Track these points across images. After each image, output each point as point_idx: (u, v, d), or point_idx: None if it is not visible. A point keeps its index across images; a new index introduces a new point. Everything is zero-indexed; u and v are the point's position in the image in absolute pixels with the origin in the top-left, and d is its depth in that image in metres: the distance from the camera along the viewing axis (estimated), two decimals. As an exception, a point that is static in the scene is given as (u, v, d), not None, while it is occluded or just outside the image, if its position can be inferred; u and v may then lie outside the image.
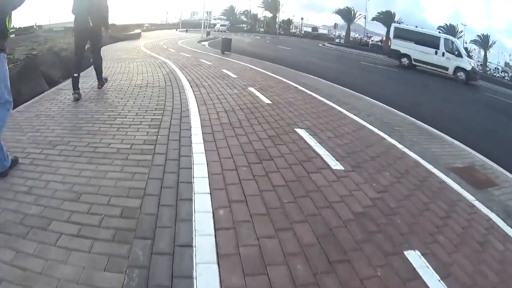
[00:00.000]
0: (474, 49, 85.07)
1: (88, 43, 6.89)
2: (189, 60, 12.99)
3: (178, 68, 10.54)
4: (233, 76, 9.59)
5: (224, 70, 10.49)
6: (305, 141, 4.66)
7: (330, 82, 10.69)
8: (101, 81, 7.34)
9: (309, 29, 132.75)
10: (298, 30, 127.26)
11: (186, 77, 8.84)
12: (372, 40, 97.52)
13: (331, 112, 6.53)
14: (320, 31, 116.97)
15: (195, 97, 6.60)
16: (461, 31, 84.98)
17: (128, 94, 6.74)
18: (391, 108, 7.99)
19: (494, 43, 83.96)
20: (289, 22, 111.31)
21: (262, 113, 5.90)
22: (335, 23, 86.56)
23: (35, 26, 56.48)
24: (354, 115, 6.52)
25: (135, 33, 33.56)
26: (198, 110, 5.71)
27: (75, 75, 6.33)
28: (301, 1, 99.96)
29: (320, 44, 44.26)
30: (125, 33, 30.44)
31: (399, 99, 9.95)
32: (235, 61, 13.62)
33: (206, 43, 29.41)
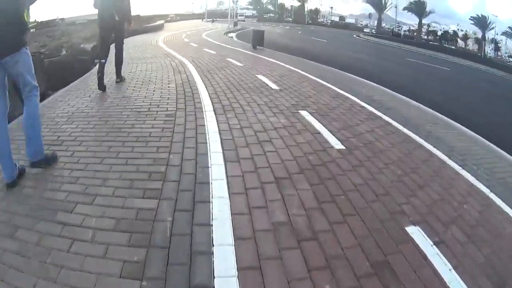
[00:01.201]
0: (501, 40, 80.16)
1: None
2: (214, 59, 10.33)
3: (199, 72, 7.94)
4: (274, 86, 6.91)
5: (260, 76, 7.82)
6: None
7: (413, 101, 7.73)
8: (120, 76, 7.18)
9: (337, 19, 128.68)
10: (325, 19, 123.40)
11: (208, 91, 6.21)
12: (404, 31, 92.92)
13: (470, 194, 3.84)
14: (347, 20, 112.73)
15: (221, 140, 3.93)
16: (493, 22, 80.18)
17: (111, 137, 4.07)
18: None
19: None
20: (316, 11, 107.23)
21: (337, 179, 3.25)
22: (370, 13, 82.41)
23: (57, 19, 55.33)
24: None
25: (157, 24, 31.35)
26: (227, 182, 3.00)
27: (102, 61, 6.36)
28: None
29: (355, 36, 41.07)
30: (145, 25, 28.23)
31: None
32: (271, 59, 10.87)
33: (233, 34, 26.76)
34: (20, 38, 3.06)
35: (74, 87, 6.73)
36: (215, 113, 4.92)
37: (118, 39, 6.87)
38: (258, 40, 13.82)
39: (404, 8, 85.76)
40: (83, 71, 8.30)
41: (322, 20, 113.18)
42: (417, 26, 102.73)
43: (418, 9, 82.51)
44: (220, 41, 18.04)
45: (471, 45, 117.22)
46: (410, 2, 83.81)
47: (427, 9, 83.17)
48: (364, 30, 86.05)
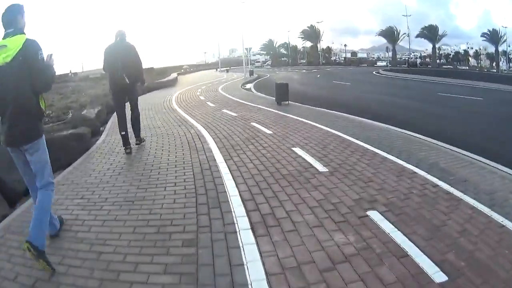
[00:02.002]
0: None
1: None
2: (236, 125, 8.80)
3: (221, 150, 6.37)
4: (319, 167, 5.23)
5: (298, 150, 6.17)
6: None
7: (487, 162, 5.85)
8: (139, 137, 7.22)
9: (349, 55, 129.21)
10: (337, 57, 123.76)
11: (238, 187, 4.55)
12: (417, 58, 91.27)
13: None
14: (359, 55, 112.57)
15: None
16: (504, 34, 78.27)
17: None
18: None
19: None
20: (329, 50, 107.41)
21: None
22: (387, 47, 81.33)
23: (70, 74, 56.00)
24: None
25: (170, 79, 30.83)
26: None
27: (123, 133, 6.57)
28: (335, 27, 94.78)
29: (374, 73, 39.71)
30: (158, 81, 27.62)
31: None
32: (301, 119, 9.24)
33: (251, 85, 25.66)
34: (36, 127, 3.15)
35: (64, 180, 5.24)
36: (254, 235, 3.28)
37: (132, 101, 6.86)
38: (282, 95, 12.31)
39: (417, 36, 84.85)
40: (79, 152, 6.81)
41: (334, 58, 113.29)
42: (427, 51, 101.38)
43: (431, 34, 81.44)
44: (238, 96, 16.66)
45: (484, 61, 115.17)
46: (422, 28, 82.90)
47: (439, 33, 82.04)
48: (378, 64, 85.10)
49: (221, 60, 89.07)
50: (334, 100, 14.73)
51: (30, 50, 3.02)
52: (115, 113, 7.54)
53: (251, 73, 37.10)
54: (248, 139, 7.17)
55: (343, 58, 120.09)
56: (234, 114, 10.41)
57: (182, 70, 72.28)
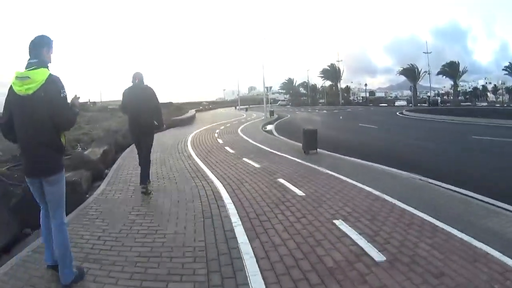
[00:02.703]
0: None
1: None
2: (260, 181, 7.41)
3: (244, 223, 4.95)
4: (376, 256, 3.79)
5: (343, 226, 4.70)
6: None
7: None
8: (146, 184, 6.60)
9: (367, 94, 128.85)
10: (355, 96, 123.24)
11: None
12: (435, 96, 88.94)
13: None
14: (377, 95, 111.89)
15: None
16: None
17: None
18: None
19: None
20: (348, 89, 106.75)
21: None
22: (410, 86, 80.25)
23: (88, 103, 56.51)
24: None
25: (188, 117, 30.12)
26: None
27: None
28: (352, 66, 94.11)
29: (398, 113, 38.21)
30: (175, 118, 26.90)
31: None
32: (338, 176, 7.71)
33: (272, 127, 24.58)
34: (56, 161, 3.21)
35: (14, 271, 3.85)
36: None
37: (146, 144, 6.68)
38: (310, 143, 10.93)
39: (438, 73, 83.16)
40: (68, 205, 5.48)
41: (352, 98, 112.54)
42: (445, 89, 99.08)
43: (452, 71, 79.47)
44: (259, 140, 15.34)
45: (504, 96, 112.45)
46: (443, 65, 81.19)
47: (460, 69, 79.98)
48: (397, 103, 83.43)
49: (240, 97, 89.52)
50: (365, 147, 13.30)
51: (52, 87, 3.03)
52: (124, 153, 7.71)
53: (271, 113, 36.13)
54: (276, 204, 5.79)
55: (361, 98, 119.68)
56: (257, 166, 9.07)
57: (201, 107, 72.72)
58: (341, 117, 34.84)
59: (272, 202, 5.86)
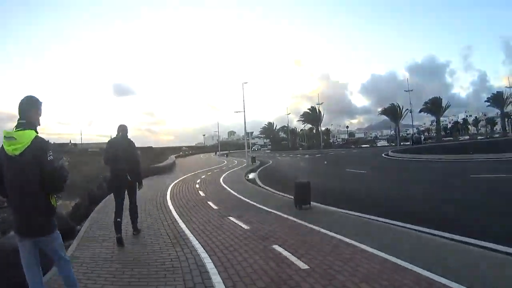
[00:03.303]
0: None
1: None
2: (252, 249, 6.15)
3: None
4: None
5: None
6: None
7: None
8: (137, 228, 7.27)
9: (347, 136, 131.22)
10: (335, 138, 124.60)
11: None
12: (419, 134, 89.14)
13: None
14: (357, 135, 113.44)
15: None
16: (510, 95, 76.51)
17: None
18: None
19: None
20: (328, 132, 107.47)
21: None
22: (390, 125, 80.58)
23: (70, 144, 55.16)
24: None
25: (168, 164, 29.18)
26: None
27: (118, 220, 6.54)
28: (330, 109, 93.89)
29: (384, 155, 36.96)
30: (155, 165, 25.94)
31: None
32: (343, 239, 6.45)
33: (255, 175, 23.57)
34: (48, 223, 3.20)
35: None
36: None
37: (131, 198, 7.04)
38: (303, 196, 9.84)
39: (421, 110, 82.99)
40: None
41: (332, 140, 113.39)
42: (425, 125, 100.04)
43: (435, 108, 79.11)
44: (244, 191, 14.07)
45: (484, 128, 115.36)
46: (426, 102, 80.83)
47: (442, 105, 79.51)
48: (379, 144, 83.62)
49: (220, 142, 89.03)
50: (363, 197, 12.18)
51: (38, 149, 3.08)
52: (99, 205, 7.65)
53: (253, 159, 35.20)
54: (277, 284, 4.65)
55: (341, 140, 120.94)
56: (246, 227, 7.87)
57: (181, 153, 72.05)
58: (325, 162, 33.79)
59: (271, 281, 4.69)
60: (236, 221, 8.45)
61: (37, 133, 3.18)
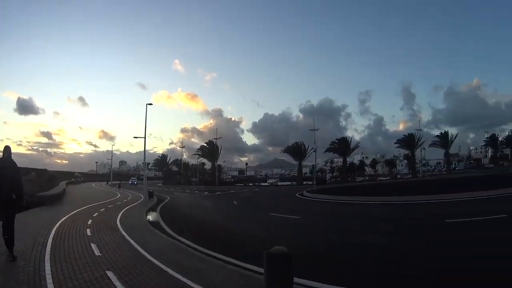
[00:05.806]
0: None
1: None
2: None
3: None
4: None
5: None
6: None
7: None
8: (12, 253, 7.13)
9: (235, 173, 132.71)
10: (225, 175, 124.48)
11: None
12: (319, 173, 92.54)
13: None
14: (248, 173, 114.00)
15: None
16: (421, 137, 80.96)
17: None
18: None
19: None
20: (220, 168, 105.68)
21: None
22: (281, 166, 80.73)
23: None
24: None
25: (56, 193, 25.13)
26: None
27: (6, 237, 6.91)
28: (223, 145, 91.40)
29: (298, 195, 34.42)
30: (41, 194, 21.69)
31: None
32: None
33: (157, 215, 19.95)
34: None
35: None
36: None
37: (10, 214, 7.03)
38: (283, 277, 6.18)
39: (326, 150, 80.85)
40: None
41: (223, 176, 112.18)
42: (318, 165, 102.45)
43: (343, 148, 79.26)
44: (151, 245, 10.25)
45: (382, 168, 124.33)
46: (333, 142, 79.56)
47: (351, 146, 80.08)
48: (269, 181, 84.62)
49: (113, 171, 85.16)
50: (350, 259, 8.91)
51: None
52: None
53: (151, 195, 30.94)
54: None
55: (231, 177, 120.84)
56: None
57: (73, 179, 69.76)
58: (235, 202, 29.94)
59: None
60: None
61: None
